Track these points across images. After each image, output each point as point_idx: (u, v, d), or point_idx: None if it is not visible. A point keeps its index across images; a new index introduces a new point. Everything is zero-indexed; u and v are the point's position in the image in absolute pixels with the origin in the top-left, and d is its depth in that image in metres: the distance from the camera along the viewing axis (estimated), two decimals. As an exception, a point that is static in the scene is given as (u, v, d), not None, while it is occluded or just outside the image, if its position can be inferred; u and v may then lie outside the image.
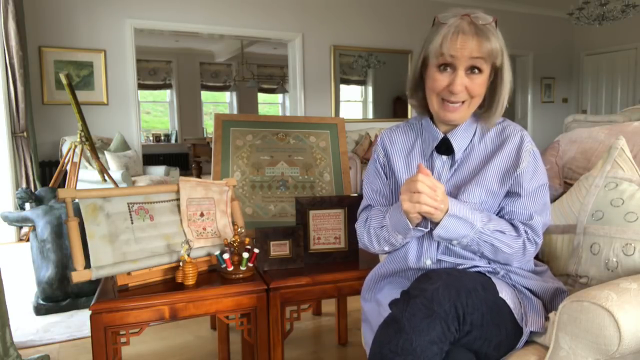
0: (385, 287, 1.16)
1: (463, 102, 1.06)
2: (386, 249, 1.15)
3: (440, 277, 0.93)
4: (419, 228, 1.04)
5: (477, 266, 1.07)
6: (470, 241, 1.02)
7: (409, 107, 6.85)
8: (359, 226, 1.25)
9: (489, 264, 1.08)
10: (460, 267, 1.07)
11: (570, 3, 6.12)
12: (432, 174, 1.11)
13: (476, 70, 1.04)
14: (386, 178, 1.22)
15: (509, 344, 1.00)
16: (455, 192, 1.09)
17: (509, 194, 1.09)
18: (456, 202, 1.02)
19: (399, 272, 1.15)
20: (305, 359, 1.95)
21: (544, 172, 1.11)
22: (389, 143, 1.22)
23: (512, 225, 1.08)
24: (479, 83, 1.05)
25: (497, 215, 1.10)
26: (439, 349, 0.86)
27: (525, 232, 1.07)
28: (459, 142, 1.12)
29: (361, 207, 1.28)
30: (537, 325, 1.03)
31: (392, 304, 0.95)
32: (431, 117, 1.16)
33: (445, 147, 1.13)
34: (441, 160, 1.13)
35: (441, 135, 1.12)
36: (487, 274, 1.06)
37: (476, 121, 1.13)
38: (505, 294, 1.01)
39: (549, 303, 1.11)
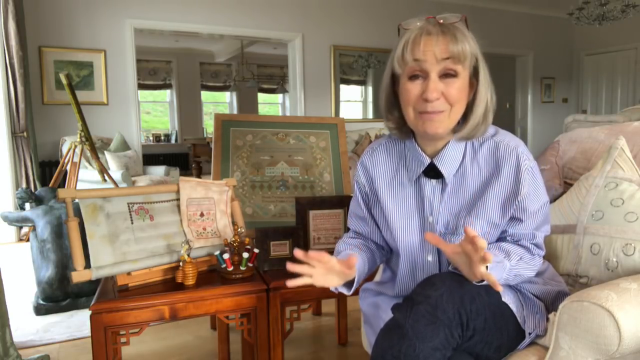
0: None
1: (442, 111, 0.96)
2: None
3: (444, 282, 0.91)
4: (340, 289, 1.06)
5: None
6: (504, 281, 0.98)
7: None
8: None
9: None
10: None
11: (570, 3, 6.12)
12: (423, 199, 1.07)
13: (451, 75, 0.94)
14: (366, 205, 1.17)
15: (509, 346, 1.00)
16: (453, 222, 1.04)
17: (511, 219, 1.04)
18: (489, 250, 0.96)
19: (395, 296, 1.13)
20: (305, 359, 1.95)
21: (544, 187, 1.05)
22: (372, 166, 1.14)
23: (520, 245, 1.05)
24: (457, 87, 0.95)
25: (499, 238, 1.07)
26: (442, 355, 0.86)
27: (536, 247, 1.06)
28: (447, 167, 1.03)
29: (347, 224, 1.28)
30: (540, 328, 1.03)
31: (395, 308, 0.94)
32: (414, 137, 1.07)
33: (433, 172, 1.05)
34: (430, 185, 1.05)
35: (427, 161, 1.04)
36: None
37: (463, 139, 1.03)
38: (507, 297, 1.00)
39: (551, 306, 1.10)
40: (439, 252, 1.06)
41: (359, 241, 1.19)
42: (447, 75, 0.95)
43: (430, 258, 1.06)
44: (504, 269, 0.96)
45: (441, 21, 0.96)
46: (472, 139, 1.03)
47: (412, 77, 0.96)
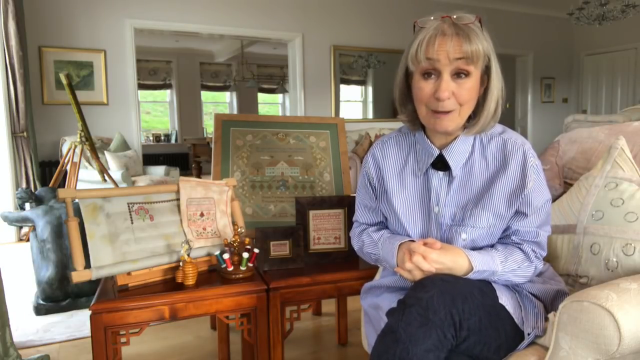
0: (385, 292, 1.16)
1: (452, 111, 0.99)
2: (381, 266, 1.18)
3: (435, 284, 0.92)
4: None
5: None
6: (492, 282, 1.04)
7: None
8: (352, 236, 1.27)
9: None
10: None
11: (570, 3, 6.12)
12: (430, 190, 1.09)
13: (463, 75, 0.97)
14: (374, 194, 1.18)
15: (508, 346, 1.00)
16: (460, 214, 1.06)
17: (516, 213, 1.06)
18: (476, 255, 1.00)
19: (398, 285, 1.14)
20: (305, 359, 1.95)
21: (546, 185, 1.08)
22: (382, 157, 1.16)
23: (522, 250, 1.06)
24: (468, 88, 0.97)
25: (503, 233, 1.09)
26: (435, 356, 0.86)
27: (534, 251, 1.07)
28: (455, 159, 1.06)
29: (354, 216, 1.28)
30: (539, 329, 1.03)
31: (389, 313, 0.95)
32: (424, 130, 1.10)
33: (441, 164, 1.07)
34: (438, 177, 1.08)
35: (437, 152, 1.06)
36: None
37: (473, 133, 1.06)
38: (505, 299, 1.01)
39: (550, 305, 1.11)
40: (447, 240, 1.07)
41: (377, 234, 1.19)
42: (459, 75, 0.97)
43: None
44: (493, 274, 1.02)
45: (456, 22, 0.97)
46: (482, 133, 1.07)
47: (425, 75, 0.99)
